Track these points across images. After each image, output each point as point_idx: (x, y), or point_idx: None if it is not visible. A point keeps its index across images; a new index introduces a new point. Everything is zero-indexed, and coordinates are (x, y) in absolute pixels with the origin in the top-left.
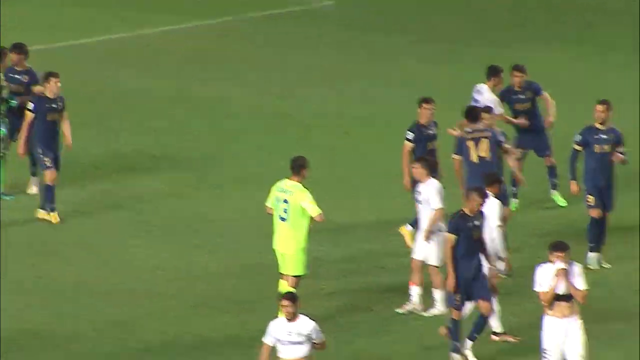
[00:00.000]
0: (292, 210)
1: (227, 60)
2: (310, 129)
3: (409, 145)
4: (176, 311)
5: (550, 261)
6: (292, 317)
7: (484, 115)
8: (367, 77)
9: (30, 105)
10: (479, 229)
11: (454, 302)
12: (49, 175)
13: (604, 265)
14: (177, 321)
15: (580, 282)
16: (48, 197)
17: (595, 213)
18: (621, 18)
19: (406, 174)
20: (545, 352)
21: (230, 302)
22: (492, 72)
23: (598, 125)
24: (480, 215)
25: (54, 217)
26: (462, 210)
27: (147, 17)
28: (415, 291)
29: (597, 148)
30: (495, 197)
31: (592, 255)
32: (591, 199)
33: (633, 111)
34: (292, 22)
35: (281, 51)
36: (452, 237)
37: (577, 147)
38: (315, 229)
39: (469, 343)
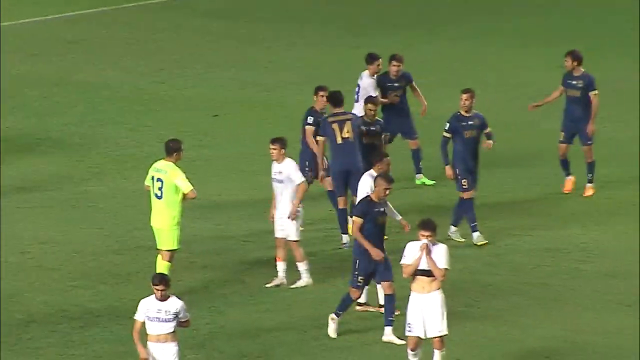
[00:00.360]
0: (167, 188)
1: (106, 46)
2: (184, 112)
3: (310, 129)
4: (59, 283)
5: (419, 239)
6: (163, 298)
7: (369, 105)
8: (237, 63)
9: None
10: (384, 214)
11: (356, 283)
12: None
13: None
14: (59, 293)
15: (442, 261)
16: None
17: (470, 194)
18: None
19: (319, 155)
20: (409, 326)
21: (109, 275)
22: (370, 59)
23: (464, 113)
24: (385, 201)
25: None
26: (369, 195)
27: (30, 7)
28: (280, 267)
29: (466, 134)
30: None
31: (476, 234)
32: (465, 181)
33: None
34: (168, 12)
35: (157, 39)
36: (359, 220)
37: (447, 135)
38: (189, 207)
39: (389, 329)
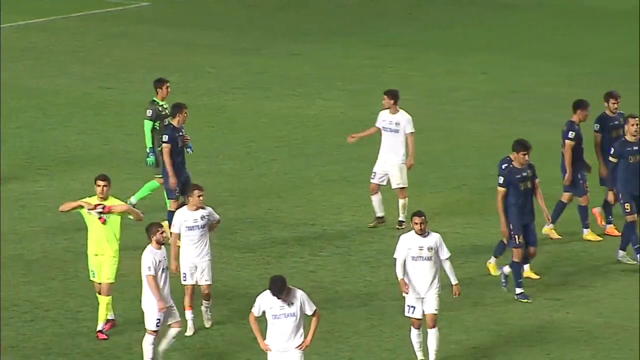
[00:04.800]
0: None
1: (56, 53)
2: (130, 116)
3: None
4: (10, 279)
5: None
6: None
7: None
8: (180, 68)
9: None
10: None
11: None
12: None
13: None
14: (10, 288)
15: (309, 309)
16: None
17: (632, 218)
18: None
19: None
20: None
21: (58, 271)
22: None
23: (629, 138)
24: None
25: None
26: None
27: None
28: (191, 315)
29: (630, 159)
30: None
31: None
32: (628, 206)
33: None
34: (113, 21)
35: (104, 46)
36: None
37: (613, 159)
38: (143, 207)
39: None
